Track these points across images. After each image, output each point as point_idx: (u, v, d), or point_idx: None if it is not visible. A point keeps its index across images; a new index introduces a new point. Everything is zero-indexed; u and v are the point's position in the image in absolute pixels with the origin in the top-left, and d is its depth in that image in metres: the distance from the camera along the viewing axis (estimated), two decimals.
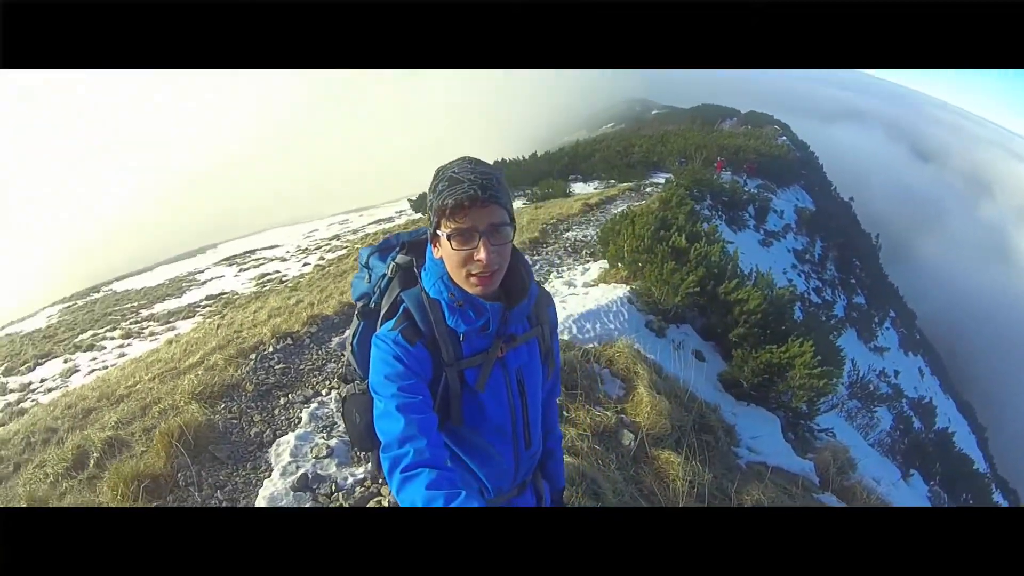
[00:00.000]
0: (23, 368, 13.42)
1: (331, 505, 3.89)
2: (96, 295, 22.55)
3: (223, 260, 24.30)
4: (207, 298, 16.99)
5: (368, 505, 3.85)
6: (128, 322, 15.79)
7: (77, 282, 30.96)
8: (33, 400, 10.71)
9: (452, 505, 1.37)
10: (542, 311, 1.86)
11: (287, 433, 4.83)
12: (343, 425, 3.20)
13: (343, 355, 6.24)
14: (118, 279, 26.17)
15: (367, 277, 1.91)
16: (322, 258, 19.89)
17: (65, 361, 13.06)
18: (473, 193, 1.52)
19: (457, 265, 1.60)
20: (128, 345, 13.36)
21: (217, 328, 9.24)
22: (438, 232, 1.60)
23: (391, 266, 1.82)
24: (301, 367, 6.32)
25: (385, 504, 3.82)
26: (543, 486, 2.06)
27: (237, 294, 16.69)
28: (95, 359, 12.80)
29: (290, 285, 13.46)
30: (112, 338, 14.33)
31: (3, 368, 13.68)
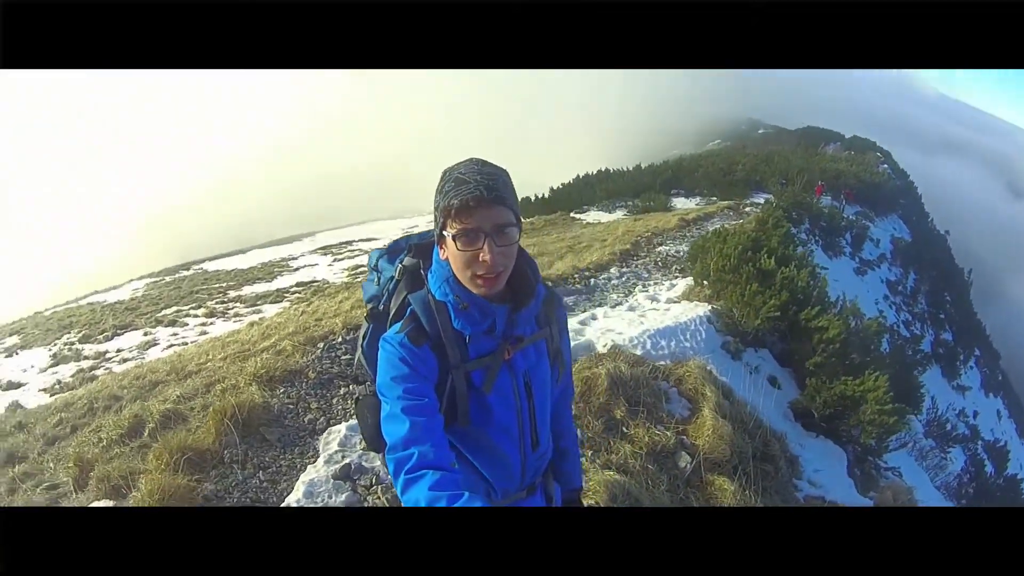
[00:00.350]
0: (100, 337, 14.03)
1: (366, 498, 3.82)
2: (186, 272, 23.35)
3: (319, 249, 24.74)
4: (297, 285, 17.26)
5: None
6: (214, 301, 16.24)
7: (169, 257, 32.21)
8: (107, 369, 11.09)
9: (454, 506, 1.37)
10: (551, 312, 1.85)
11: (340, 423, 4.73)
12: None
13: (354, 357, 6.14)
14: (210, 259, 26.99)
15: (376, 280, 1.92)
16: None
17: (145, 334, 13.56)
18: (478, 193, 1.52)
19: (462, 266, 1.59)
20: (211, 324, 13.69)
21: (300, 315, 9.35)
22: (444, 233, 1.59)
23: (398, 268, 1.82)
24: None
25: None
26: (554, 488, 2.04)
27: (328, 283, 16.86)
28: (175, 335, 13.20)
29: None
30: (195, 316, 14.76)
31: (80, 335, 14.34)
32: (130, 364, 10.84)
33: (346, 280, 16.44)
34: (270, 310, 13.93)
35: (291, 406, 5.01)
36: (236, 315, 14.17)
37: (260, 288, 17.59)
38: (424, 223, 30.74)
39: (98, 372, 10.80)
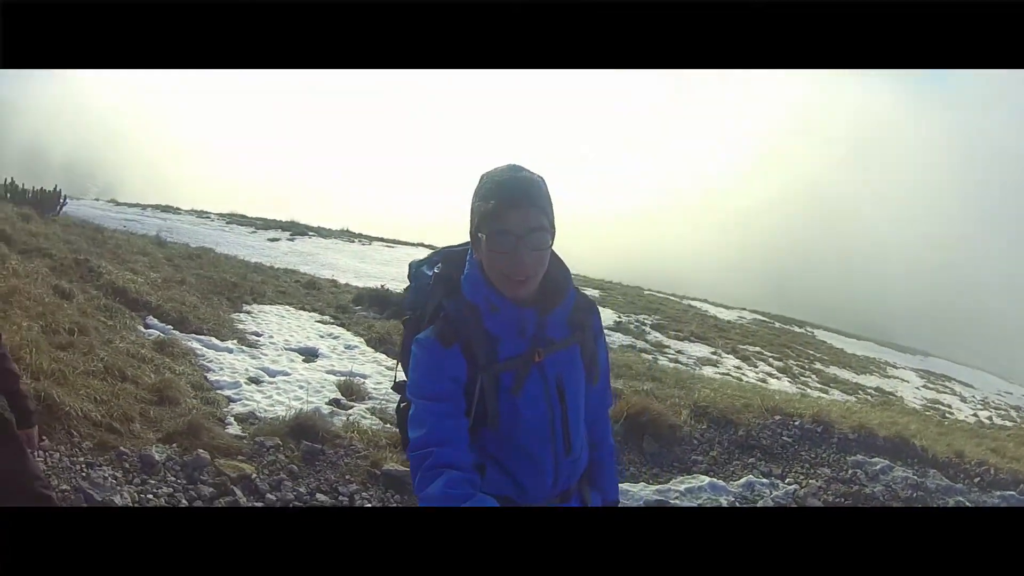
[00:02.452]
0: (674, 333, 15.64)
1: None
2: (796, 329, 23.39)
3: (922, 370, 22.08)
4: (876, 389, 16.10)
5: None
6: (794, 362, 16.20)
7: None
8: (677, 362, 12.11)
9: (465, 505, 1.44)
10: (584, 318, 1.84)
11: None
12: None
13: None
14: (826, 329, 26.47)
15: (415, 288, 1.91)
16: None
17: (713, 352, 14.47)
18: (513, 197, 1.59)
19: (495, 268, 1.63)
20: (773, 377, 13.79)
21: (834, 405, 8.41)
22: (478, 235, 1.64)
23: (433, 275, 1.82)
24: None
25: None
26: (591, 497, 1.96)
27: (901, 400, 15.13)
28: (739, 368, 13.76)
29: (943, 423, 11.13)
30: (767, 362, 15.01)
31: (657, 321, 16.46)
32: (674, 366, 11.81)
33: (918, 408, 14.20)
34: (837, 394, 13.32)
35: None
36: (803, 383, 13.91)
37: (843, 373, 16.73)
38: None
39: (650, 358, 11.85)
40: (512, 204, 1.58)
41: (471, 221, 1.67)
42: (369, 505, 4.27)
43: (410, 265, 1.97)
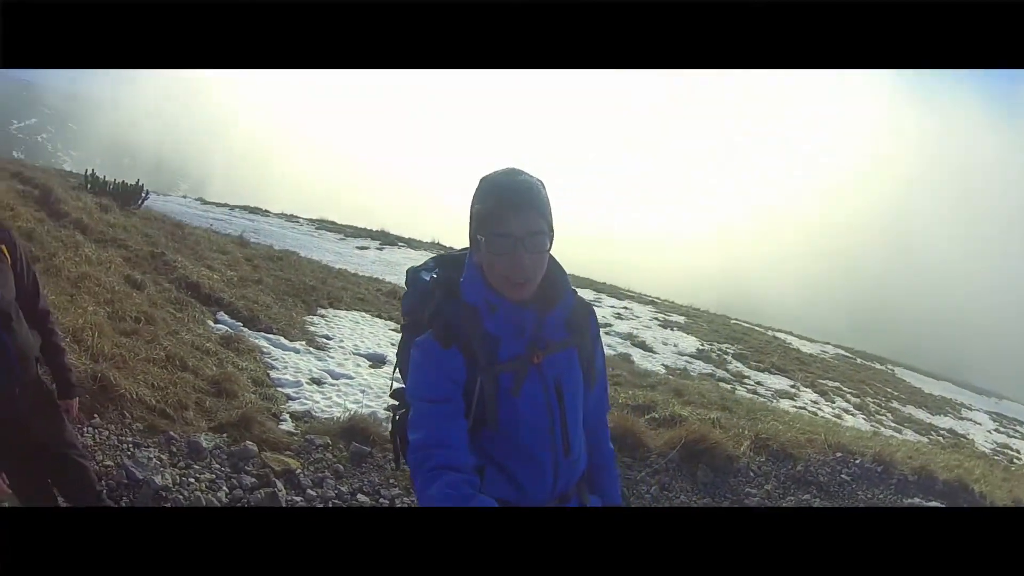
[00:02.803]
0: (755, 363, 15.12)
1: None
2: (877, 365, 22.42)
3: (995, 413, 20.63)
4: (950, 431, 15.17)
5: None
6: (871, 399, 15.49)
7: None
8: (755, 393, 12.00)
9: (466, 505, 1.45)
10: (582, 321, 1.85)
11: None
12: None
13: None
14: (911, 369, 25.20)
15: (413, 293, 1.90)
16: None
17: (792, 386, 13.91)
18: (512, 200, 1.61)
19: (494, 271, 1.65)
20: (848, 413, 13.25)
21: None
22: (478, 237, 1.65)
23: (432, 279, 1.84)
24: None
25: None
26: (591, 501, 1.97)
27: (972, 443, 14.26)
28: (815, 403, 13.18)
29: (1010, 468, 10.25)
30: (844, 398, 14.37)
31: (739, 351, 15.84)
32: (751, 396, 11.45)
33: (987, 452, 13.25)
34: (910, 433, 12.63)
35: None
36: (878, 421, 13.24)
37: (918, 413, 15.84)
38: None
39: (728, 388, 11.44)
40: (511, 207, 1.60)
41: (470, 224, 1.69)
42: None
43: (408, 271, 1.97)
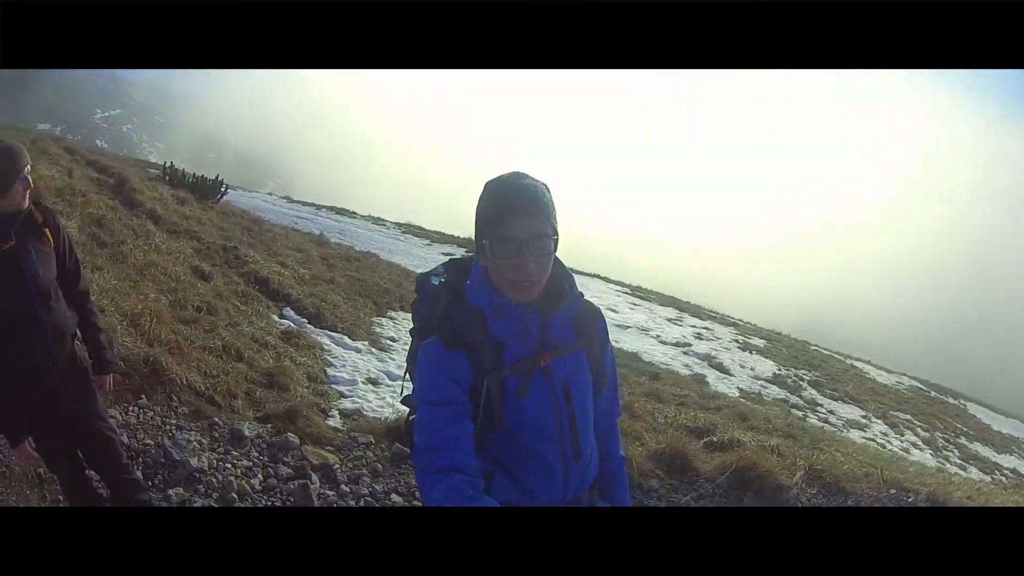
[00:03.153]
0: (830, 391, 14.71)
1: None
2: (950, 399, 21.37)
3: None
4: (1013, 471, 14.23)
5: None
6: (941, 434, 14.87)
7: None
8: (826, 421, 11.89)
9: (470, 505, 1.45)
10: (590, 324, 1.85)
11: None
12: None
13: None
14: (976, 402, 23.81)
15: (422, 299, 1.92)
16: None
17: (863, 416, 13.47)
18: (517, 204, 1.61)
19: (499, 274, 1.66)
20: (915, 447, 12.82)
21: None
22: (483, 241, 1.66)
23: (439, 283, 1.85)
24: None
25: None
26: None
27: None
28: (885, 435, 12.82)
29: None
30: (913, 432, 13.86)
31: (814, 378, 15.43)
32: (821, 425, 11.17)
33: None
34: (975, 471, 12.13)
35: None
36: (944, 457, 12.72)
37: (984, 450, 14.98)
38: None
39: (800, 415, 11.11)
40: (516, 211, 1.60)
41: (476, 227, 1.69)
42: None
43: (418, 276, 1.99)
